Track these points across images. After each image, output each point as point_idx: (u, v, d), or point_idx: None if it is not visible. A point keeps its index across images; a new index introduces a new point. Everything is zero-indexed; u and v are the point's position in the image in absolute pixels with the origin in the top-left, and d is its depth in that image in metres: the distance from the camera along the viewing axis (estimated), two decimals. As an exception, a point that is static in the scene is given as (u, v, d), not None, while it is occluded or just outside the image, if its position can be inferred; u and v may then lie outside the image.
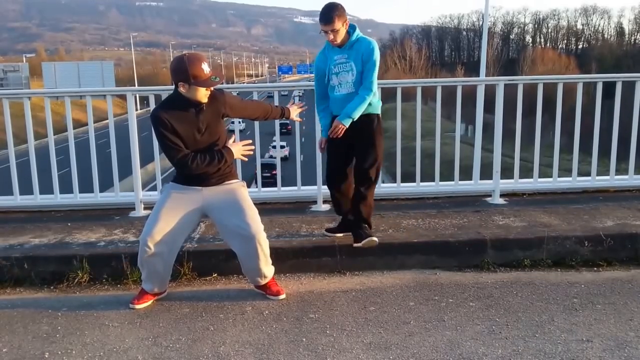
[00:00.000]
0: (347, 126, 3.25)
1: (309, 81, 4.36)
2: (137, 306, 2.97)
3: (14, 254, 3.40)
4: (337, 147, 3.39)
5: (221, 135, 2.90)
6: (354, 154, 3.37)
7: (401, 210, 4.15)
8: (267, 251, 2.98)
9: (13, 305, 3.06)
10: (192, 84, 2.70)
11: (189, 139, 2.78)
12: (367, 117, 3.30)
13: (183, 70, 2.68)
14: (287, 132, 21.26)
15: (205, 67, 2.72)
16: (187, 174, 2.85)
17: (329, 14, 3.16)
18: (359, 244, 3.26)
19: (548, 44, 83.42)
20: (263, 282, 3.07)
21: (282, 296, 3.06)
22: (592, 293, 3.04)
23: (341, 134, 3.26)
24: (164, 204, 2.90)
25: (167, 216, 2.87)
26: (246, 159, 3.08)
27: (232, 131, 4.04)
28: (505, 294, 3.06)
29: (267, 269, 3.03)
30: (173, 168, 2.90)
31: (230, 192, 2.93)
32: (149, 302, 3.01)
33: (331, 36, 3.19)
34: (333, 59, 3.30)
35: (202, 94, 2.75)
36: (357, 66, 3.24)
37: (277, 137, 4.66)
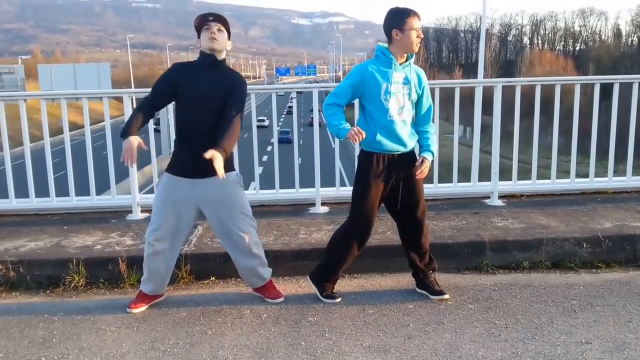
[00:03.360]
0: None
1: (307, 83, 4.32)
2: (134, 310, 2.95)
3: (9, 257, 3.37)
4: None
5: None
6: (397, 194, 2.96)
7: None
8: (262, 252, 2.97)
9: (9, 310, 3.03)
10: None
11: (190, 96, 2.77)
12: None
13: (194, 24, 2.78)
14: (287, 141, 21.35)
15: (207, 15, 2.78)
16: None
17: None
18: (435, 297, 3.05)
19: (545, 46, 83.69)
20: (261, 283, 3.06)
21: (281, 299, 3.04)
22: (591, 295, 3.04)
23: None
24: (161, 201, 2.87)
25: (165, 213, 2.84)
26: None
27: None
28: (504, 296, 3.05)
29: (263, 269, 3.01)
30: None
31: (223, 189, 2.85)
32: (146, 306, 2.99)
33: (421, 35, 2.82)
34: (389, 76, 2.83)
35: (206, 39, 2.77)
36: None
37: (275, 145, 4.61)
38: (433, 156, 2.99)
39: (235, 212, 2.87)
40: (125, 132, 2.73)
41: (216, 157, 2.57)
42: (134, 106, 2.94)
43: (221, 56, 2.83)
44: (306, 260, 3.39)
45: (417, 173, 2.91)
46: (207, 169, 2.73)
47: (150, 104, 2.84)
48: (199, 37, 2.80)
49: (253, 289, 3.11)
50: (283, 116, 45.09)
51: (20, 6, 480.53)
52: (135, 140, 2.72)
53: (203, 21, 2.78)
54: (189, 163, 2.80)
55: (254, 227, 2.93)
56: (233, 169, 2.95)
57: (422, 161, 2.93)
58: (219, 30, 2.78)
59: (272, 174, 4.51)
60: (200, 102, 2.77)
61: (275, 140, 4.62)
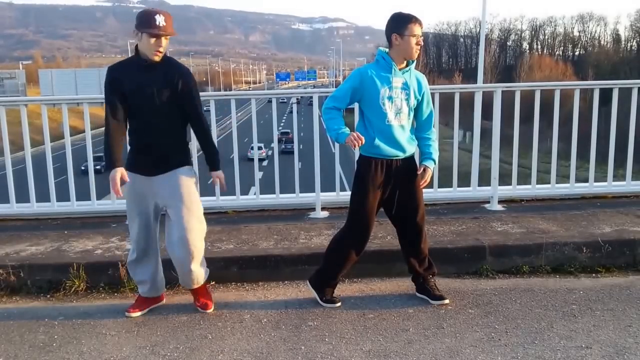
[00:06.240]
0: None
1: (305, 88, 4.34)
2: (133, 314, 2.95)
3: (10, 262, 3.37)
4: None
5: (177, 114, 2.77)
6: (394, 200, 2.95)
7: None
8: (197, 252, 2.85)
9: (9, 314, 3.04)
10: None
11: (138, 99, 2.69)
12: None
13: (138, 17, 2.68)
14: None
15: (159, 19, 2.66)
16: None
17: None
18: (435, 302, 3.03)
19: (545, 51, 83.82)
20: (194, 285, 2.94)
21: (210, 310, 2.97)
22: (591, 299, 3.04)
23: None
24: (128, 204, 2.90)
25: (135, 216, 2.87)
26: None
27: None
28: (504, 300, 3.05)
29: (198, 269, 2.89)
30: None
31: (174, 182, 2.78)
32: (145, 311, 2.99)
33: (421, 42, 2.84)
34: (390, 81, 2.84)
35: (151, 51, 2.66)
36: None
37: (275, 149, 4.64)
38: (435, 164, 2.98)
39: (180, 205, 2.77)
40: (109, 163, 2.70)
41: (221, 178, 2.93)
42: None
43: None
44: (306, 265, 3.39)
45: (420, 183, 2.92)
46: (162, 167, 2.77)
47: (117, 121, 2.74)
48: (140, 32, 2.65)
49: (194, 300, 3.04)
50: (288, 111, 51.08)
51: (21, 12, 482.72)
52: (119, 172, 2.70)
53: (152, 25, 2.65)
54: (148, 164, 2.79)
55: (197, 227, 2.81)
56: (188, 164, 2.87)
57: (423, 170, 2.94)
58: (165, 41, 2.70)
59: (272, 179, 4.52)
60: (151, 105, 2.70)
61: (275, 144, 4.65)
